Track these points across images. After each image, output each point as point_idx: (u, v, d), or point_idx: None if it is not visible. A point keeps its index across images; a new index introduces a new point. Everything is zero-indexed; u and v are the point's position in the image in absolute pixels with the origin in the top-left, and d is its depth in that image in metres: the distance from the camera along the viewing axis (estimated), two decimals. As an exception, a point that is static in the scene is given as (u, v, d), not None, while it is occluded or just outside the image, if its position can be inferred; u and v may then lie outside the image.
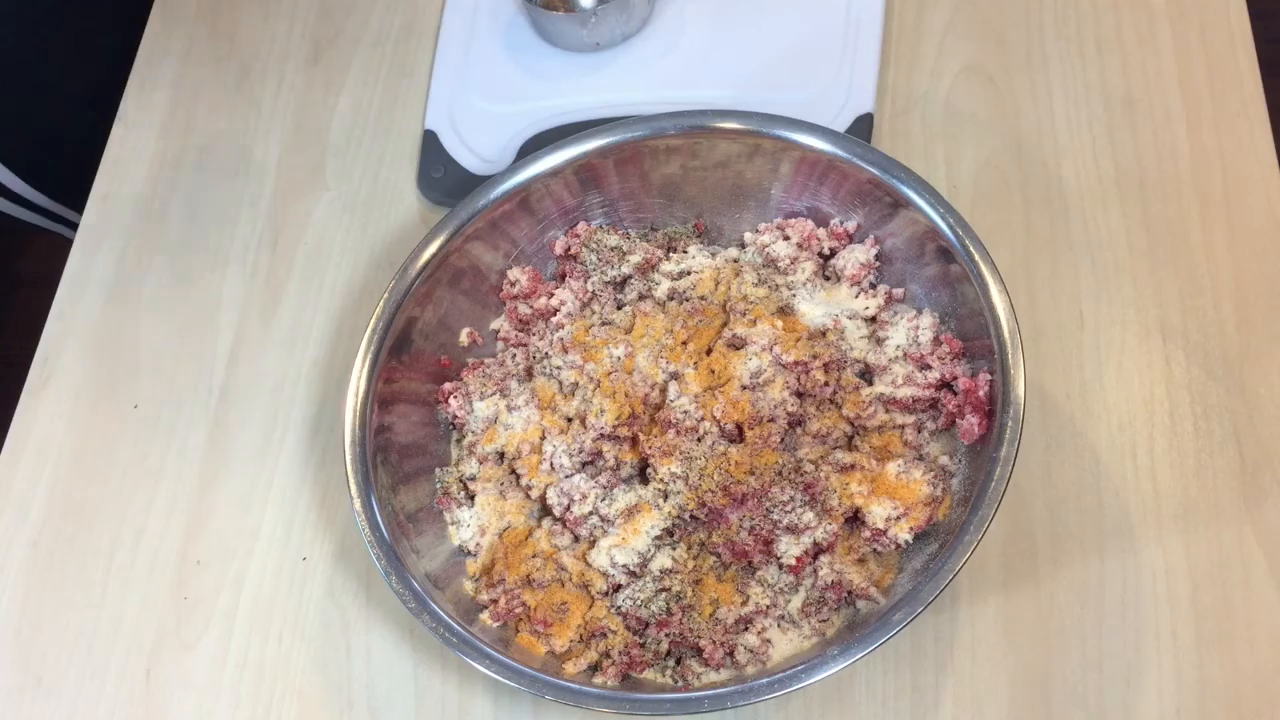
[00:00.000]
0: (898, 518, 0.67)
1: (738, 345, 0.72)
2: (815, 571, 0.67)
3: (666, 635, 0.67)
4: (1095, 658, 0.67)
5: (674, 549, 0.68)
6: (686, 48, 0.88)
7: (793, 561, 0.67)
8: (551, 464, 0.72)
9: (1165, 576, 0.69)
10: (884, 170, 0.71)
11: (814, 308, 0.74)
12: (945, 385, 0.70)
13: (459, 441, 0.76)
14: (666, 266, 0.77)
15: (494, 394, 0.75)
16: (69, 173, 0.99)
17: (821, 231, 0.76)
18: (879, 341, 0.73)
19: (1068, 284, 0.77)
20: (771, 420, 0.69)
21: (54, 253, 0.91)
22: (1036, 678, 0.67)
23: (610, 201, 0.79)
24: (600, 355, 0.74)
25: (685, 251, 0.78)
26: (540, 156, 0.76)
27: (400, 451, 0.72)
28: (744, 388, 0.70)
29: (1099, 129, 0.82)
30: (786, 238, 0.76)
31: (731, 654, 0.67)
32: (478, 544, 0.72)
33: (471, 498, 0.73)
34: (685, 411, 0.70)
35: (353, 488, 0.68)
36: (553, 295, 0.77)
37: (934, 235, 0.70)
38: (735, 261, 0.77)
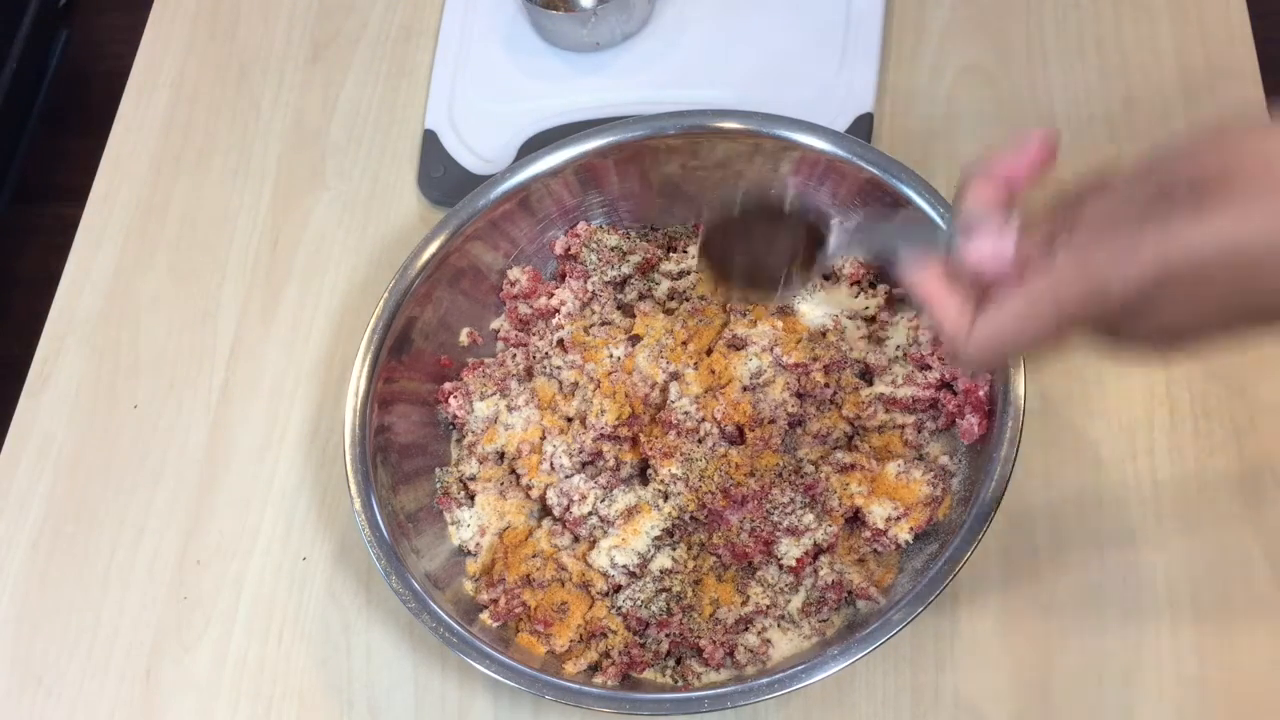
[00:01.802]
0: (898, 518, 0.67)
1: (738, 346, 0.72)
2: (815, 571, 0.67)
3: (666, 635, 0.67)
4: (1095, 658, 0.67)
5: (674, 549, 0.68)
6: (686, 48, 0.88)
7: (793, 563, 0.67)
8: (551, 464, 0.72)
9: (1165, 576, 0.69)
10: (884, 170, 0.71)
11: (814, 308, 0.74)
12: (945, 385, 0.70)
13: (459, 441, 0.76)
14: (666, 266, 0.77)
15: (494, 394, 0.75)
16: None
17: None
18: (879, 341, 0.73)
19: (1068, 284, 0.77)
20: (772, 422, 0.69)
21: (54, 253, 0.91)
22: (1036, 678, 0.67)
23: (610, 201, 0.79)
24: (600, 355, 0.74)
25: (685, 251, 0.78)
26: (540, 156, 0.76)
27: (400, 451, 0.72)
28: (744, 389, 0.70)
29: (1099, 129, 0.82)
30: (786, 238, 0.76)
31: (731, 654, 0.67)
32: (478, 544, 0.72)
33: (471, 498, 0.73)
34: (686, 413, 0.70)
35: (353, 488, 0.68)
36: (553, 295, 0.77)
37: (934, 235, 0.70)
38: (735, 261, 0.77)
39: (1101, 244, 0.46)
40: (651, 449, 0.70)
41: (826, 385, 0.71)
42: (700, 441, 0.70)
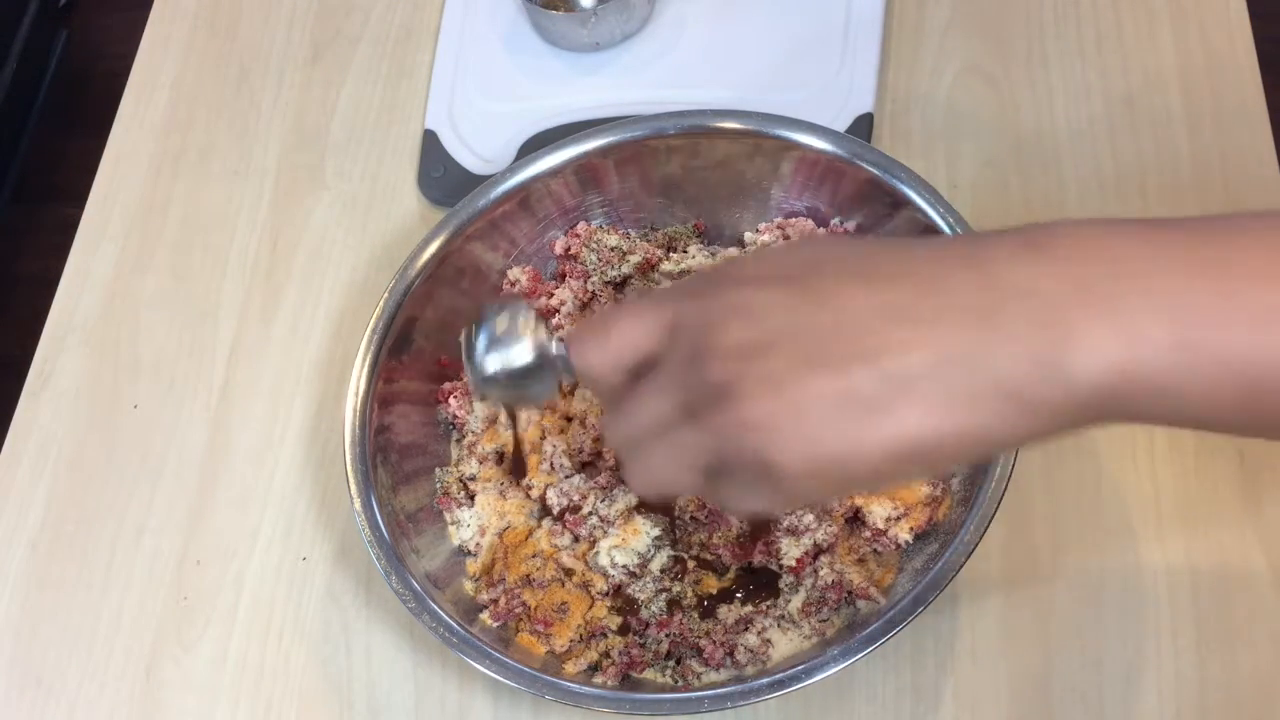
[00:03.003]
0: (898, 518, 0.67)
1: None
2: (815, 571, 0.67)
3: (666, 635, 0.67)
4: (1095, 658, 0.67)
5: (674, 549, 0.69)
6: (686, 48, 0.88)
7: (793, 563, 0.67)
8: (551, 464, 0.72)
9: (1165, 576, 0.69)
10: (884, 170, 0.71)
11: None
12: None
13: (459, 441, 0.76)
14: (666, 266, 0.77)
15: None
16: None
17: (821, 231, 0.76)
18: (879, 341, 0.73)
19: (1068, 284, 0.77)
20: (771, 420, 0.69)
21: (54, 253, 0.91)
22: (1036, 678, 0.67)
23: (610, 201, 0.79)
24: (600, 355, 0.74)
25: (685, 251, 0.78)
26: (540, 156, 0.76)
27: (400, 451, 0.72)
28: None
29: (1099, 129, 0.82)
30: (786, 237, 0.76)
31: (731, 654, 0.67)
32: (478, 544, 0.72)
33: (471, 498, 0.73)
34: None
35: (353, 488, 0.68)
36: (552, 295, 0.77)
37: (934, 235, 0.70)
38: (735, 261, 0.77)
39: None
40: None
41: (826, 385, 0.71)
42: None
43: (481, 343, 0.55)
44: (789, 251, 0.48)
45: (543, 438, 0.73)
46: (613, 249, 0.77)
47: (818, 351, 0.43)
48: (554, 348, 0.54)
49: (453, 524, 0.72)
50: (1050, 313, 0.41)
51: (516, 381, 0.55)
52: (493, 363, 0.55)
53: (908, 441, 0.42)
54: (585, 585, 0.69)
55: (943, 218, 0.69)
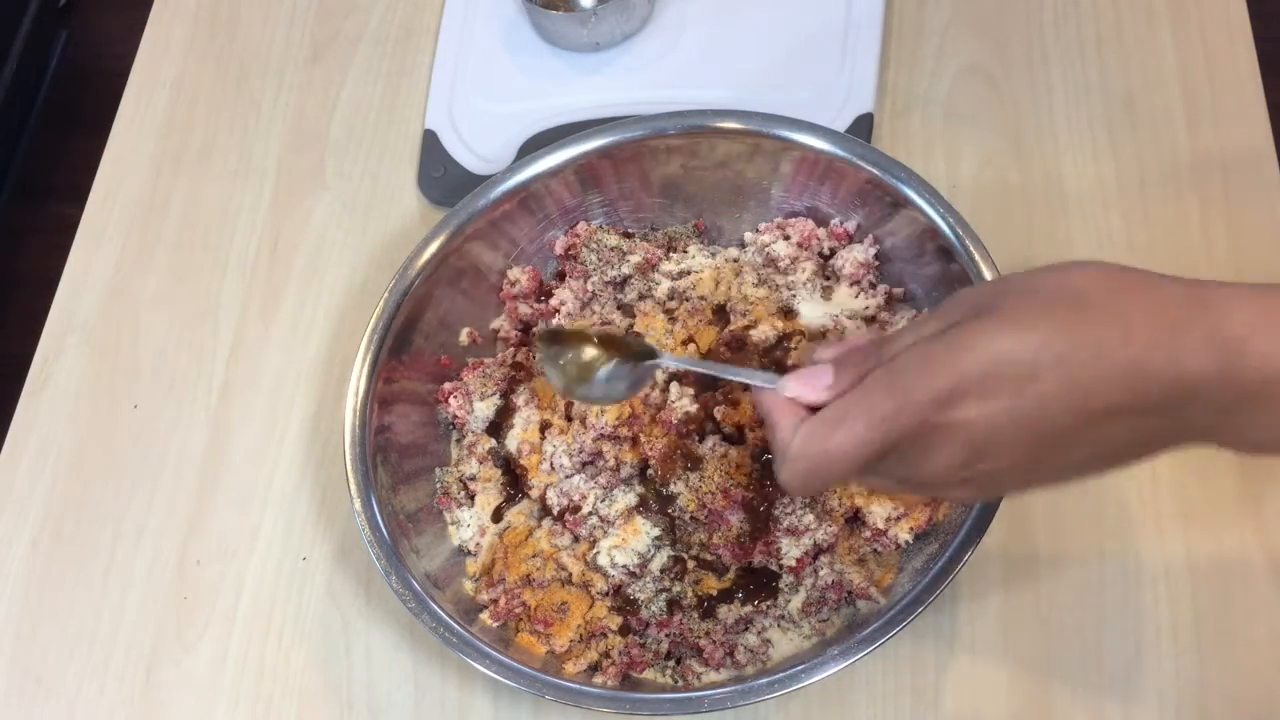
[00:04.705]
0: (898, 518, 0.67)
1: (738, 346, 0.72)
2: (815, 571, 0.67)
3: (666, 635, 0.67)
4: (1095, 658, 0.67)
5: (674, 549, 0.69)
6: (686, 48, 0.88)
7: (793, 563, 0.67)
8: (551, 464, 0.72)
9: (1165, 576, 0.69)
10: (884, 170, 0.71)
11: (814, 308, 0.74)
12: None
13: (459, 441, 0.76)
14: (666, 266, 0.77)
15: (494, 394, 0.75)
16: None
17: (821, 231, 0.76)
18: (879, 341, 0.73)
19: (1068, 284, 0.77)
20: (772, 420, 0.69)
21: (53, 252, 0.91)
22: (1036, 677, 0.67)
23: (610, 201, 0.79)
24: (600, 355, 0.74)
25: (685, 251, 0.78)
26: (540, 156, 0.76)
27: (400, 451, 0.72)
28: (744, 388, 0.70)
29: (1099, 129, 0.82)
30: (786, 237, 0.76)
31: (731, 654, 0.67)
32: (478, 544, 0.72)
33: (471, 498, 0.73)
34: (686, 413, 0.70)
35: (353, 488, 0.68)
36: (552, 295, 0.77)
37: (934, 235, 0.70)
38: (735, 261, 0.77)
39: (905, 364, 0.51)
40: (652, 449, 0.70)
41: (826, 385, 0.71)
42: (700, 442, 0.70)
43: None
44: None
45: (543, 438, 0.73)
46: (613, 249, 0.77)
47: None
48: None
49: (453, 524, 0.72)
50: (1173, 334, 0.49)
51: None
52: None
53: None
54: (585, 585, 0.69)
55: (943, 218, 0.69)
